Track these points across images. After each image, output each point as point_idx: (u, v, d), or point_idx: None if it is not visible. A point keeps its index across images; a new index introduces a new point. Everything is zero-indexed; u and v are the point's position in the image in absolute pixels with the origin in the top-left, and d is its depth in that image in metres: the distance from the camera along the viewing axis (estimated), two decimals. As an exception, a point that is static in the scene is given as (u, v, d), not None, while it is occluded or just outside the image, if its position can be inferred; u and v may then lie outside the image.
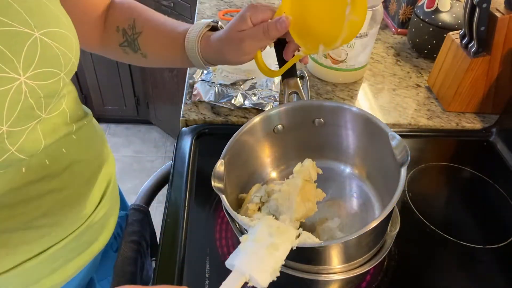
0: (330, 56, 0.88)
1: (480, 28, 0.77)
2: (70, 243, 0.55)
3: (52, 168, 0.50)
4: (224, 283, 0.38)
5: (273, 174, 0.65)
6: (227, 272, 0.59)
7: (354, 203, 0.62)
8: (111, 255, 0.68)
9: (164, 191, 0.73)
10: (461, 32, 0.84)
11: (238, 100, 0.83)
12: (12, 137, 0.41)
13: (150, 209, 0.73)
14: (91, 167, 0.57)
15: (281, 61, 0.64)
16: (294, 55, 0.61)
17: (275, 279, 0.40)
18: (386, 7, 1.20)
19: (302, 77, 0.90)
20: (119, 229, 0.68)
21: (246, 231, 0.48)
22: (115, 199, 0.65)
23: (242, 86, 0.87)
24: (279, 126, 0.62)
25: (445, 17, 0.95)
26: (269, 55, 0.90)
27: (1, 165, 0.43)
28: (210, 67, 0.90)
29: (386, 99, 0.90)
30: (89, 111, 0.61)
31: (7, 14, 0.39)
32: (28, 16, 0.41)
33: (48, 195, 0.50)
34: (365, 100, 0.89)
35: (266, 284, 0.39)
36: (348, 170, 0.64)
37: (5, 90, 0.39)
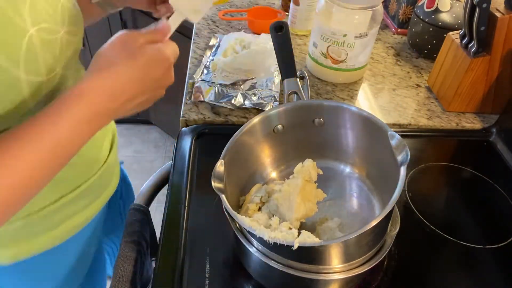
0: (330, 56, 0.88)
1: (480, 28, 0.77)
2: (95, 182, 0.65)
3: None
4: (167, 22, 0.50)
5: (273, 174, 0.65)
6: (227, 273, 0.59)
7: (354, 203, 0.62)
8: (113, 215, 0.84)
9: (164, 191, 0.73)
10: (461, 32, 0.84)
11: (238, 100, 0.83)
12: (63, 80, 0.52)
13: (150, 209, 0.73)
14: None
15: (281, 53, 0.63)
16: None
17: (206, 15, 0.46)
18: (386, 7, 1.20)
19: (302, 77, 0.90)
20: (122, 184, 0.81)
21: (246, 231, 0.48)
22: (117, 151, 0.77)
23: (242, 86, 0.87)
24: (279, 126, 0.62)
25: (445, 17, 0.95)
26: (269, 55, 0.90)
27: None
28: (210, 67, 0.90)
29: (386, 99, 0.90)
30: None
31: None
32: None
33: None
34: (365, 100, 0.90)
35: (198, 20, 0.53)
36: (348, 169, 0.64)
37: (55, 38, 0.47)
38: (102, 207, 0.72)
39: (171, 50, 0.49)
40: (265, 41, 0.93)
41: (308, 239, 0.45)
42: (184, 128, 0.79)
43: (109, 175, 0.72)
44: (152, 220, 0.75)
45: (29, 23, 0.43)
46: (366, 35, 0.84)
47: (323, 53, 0.89)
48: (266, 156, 0.64)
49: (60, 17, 0.48)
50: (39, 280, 0.70)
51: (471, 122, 0.85)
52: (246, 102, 0.83)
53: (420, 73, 0.99)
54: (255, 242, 0.49)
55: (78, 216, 0.66)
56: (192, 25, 1.11)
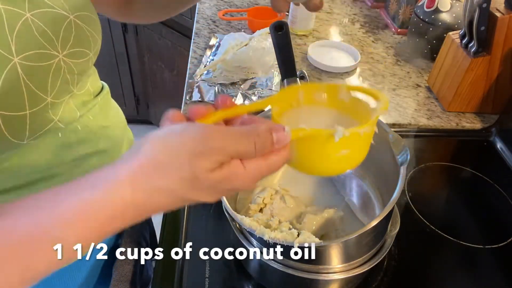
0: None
1: (480, 28, 0.77)
2: None
3: (83, 133, 0.55)
4: None
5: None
6: (227, 273, 0.59)
7: (354, 203, 0.61)
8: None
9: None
10: (461, 32, 0.83)
11: (238, 100, 0.83)
12: (54, 108, 0.47)
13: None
14: (116, 132, 0.63)
15: (281, 53, 0.63)
16: None
17: None
18: (386, 7, 1.20)
19: (302, 77, 0.90)
20: None
21: (246, 231, 0.48)
22: None
23: (242, 86, 0.87)
24: (279, 126, 0.62)
25: (445, 17, 0.95)
26: (268, 52, 0.90)
27: (45, 133, 0.48)
28: (210, 67, 0.90)
29: (386, 99, 0.90)
30: (104, 83, 0.66)
31: None
32: (64, 0, 0.45)
33: (83, 159, 0.56)
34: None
35: None
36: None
37: (48, 65, 0.44)
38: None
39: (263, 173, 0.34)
40: (263, 38, 0.93)
41: (308, 239, 0.45)
42: (184, 128, 0.79)
43: None
44: (152, 220, 0.75)
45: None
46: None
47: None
48: (266, 156, 0.64)
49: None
50: None
51: (471, 122, 0.85)
52: (246, 102, 0.83)
53: (420, 73, 0.99)
54: (255, 242, 0.49)
55: None
56: (192, 25, 1.11)
